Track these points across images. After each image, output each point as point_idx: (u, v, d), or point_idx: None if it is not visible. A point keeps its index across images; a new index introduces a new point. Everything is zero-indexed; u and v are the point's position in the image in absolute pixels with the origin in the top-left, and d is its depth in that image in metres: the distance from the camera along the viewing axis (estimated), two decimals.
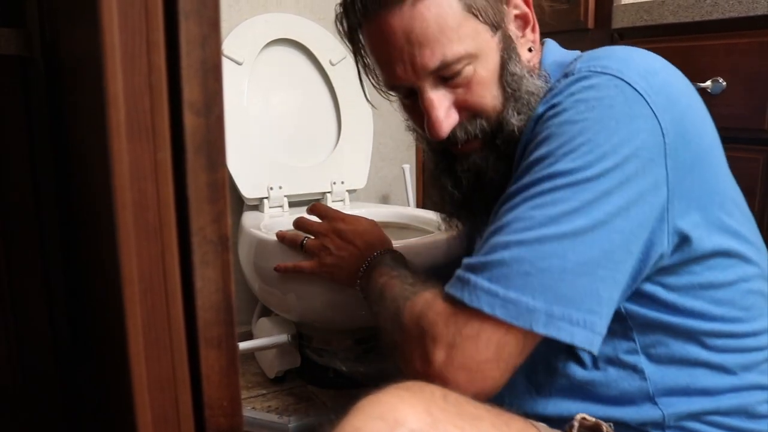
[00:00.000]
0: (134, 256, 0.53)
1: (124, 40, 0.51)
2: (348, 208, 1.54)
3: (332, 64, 1.60)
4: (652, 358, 0.70)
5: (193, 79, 0.53)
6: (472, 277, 0.63)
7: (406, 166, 1.76)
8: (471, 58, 0.71)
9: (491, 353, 0.62)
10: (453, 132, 0.75)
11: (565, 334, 0.60)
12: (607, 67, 0.65)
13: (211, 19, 0.53)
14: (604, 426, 0.64)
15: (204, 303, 0.56)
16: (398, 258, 0.90)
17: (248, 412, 1.27)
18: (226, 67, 1.47)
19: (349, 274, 0.95)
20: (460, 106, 0.74)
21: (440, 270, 0.72)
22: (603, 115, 0.62)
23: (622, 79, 0.63)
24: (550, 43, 0.80)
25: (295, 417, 1.26)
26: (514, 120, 0.73)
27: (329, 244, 1.00)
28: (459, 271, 0.66)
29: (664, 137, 0.63)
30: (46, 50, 0.90)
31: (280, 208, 1.48)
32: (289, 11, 1.64)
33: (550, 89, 0.71)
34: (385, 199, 1.89)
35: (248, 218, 1.39)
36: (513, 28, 0.75)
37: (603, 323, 0.62)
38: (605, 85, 0.64)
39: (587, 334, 0.61)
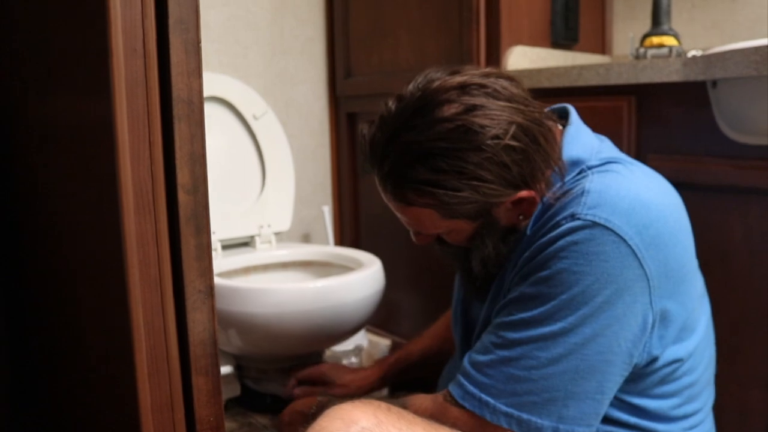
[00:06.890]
0: (140, 304, 0.68)
1: (132, 141, 0.66)
2: (275, 249, 1.70)
3: (255, 118, 1.76)
4: None
5: (184, 167, 0.69)
6: (491, 401, 0.77)
7: (326, 208, 1.91)
8: (446, 232, 0.85)
9: None
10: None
11: None
12: (609, 221, 0.74)
13: (198, 121, 0.69)
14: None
15: (194, 340, 0.71)
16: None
17: None
18: None
19: None
20: None
21: None
22: (598, 269, 0.74)
23: (619, 235, 0.74)
24: (569, 133, 0.85)
25: None
26: (474, 263, 0.88)
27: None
28: (473, 389, 0.79)
29: (649, 282, 0.75)
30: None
31: (214, 252, 1.61)
32: (214, 71, 1.79)
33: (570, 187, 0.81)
34: (306, 239, 2.03)
35: None
36: (504, 209, 0.82)
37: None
38: (603, 240, 0.74)
39: None
